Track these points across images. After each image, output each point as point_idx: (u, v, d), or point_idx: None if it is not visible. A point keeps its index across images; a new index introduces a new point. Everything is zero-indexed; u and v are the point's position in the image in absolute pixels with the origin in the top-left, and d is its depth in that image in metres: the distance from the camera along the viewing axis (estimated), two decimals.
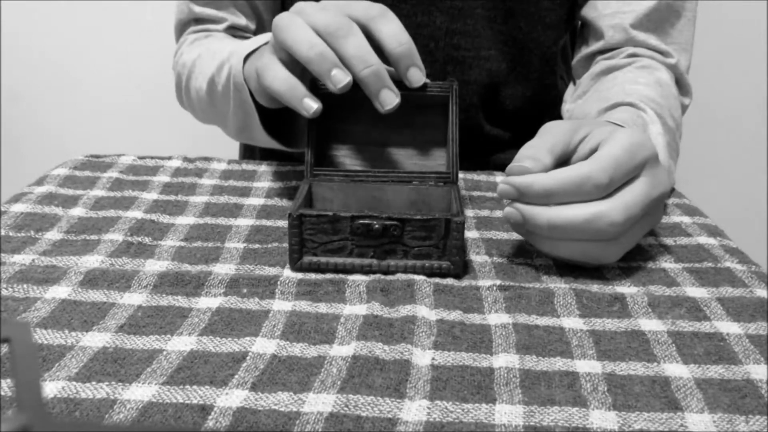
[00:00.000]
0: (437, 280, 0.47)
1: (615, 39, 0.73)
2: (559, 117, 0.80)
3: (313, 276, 0.48)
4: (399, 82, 0.51)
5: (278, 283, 0.47)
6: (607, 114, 0.61)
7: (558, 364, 0.39)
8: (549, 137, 0.49)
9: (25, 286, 0.45)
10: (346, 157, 0.56)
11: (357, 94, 0.49)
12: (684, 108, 0.75)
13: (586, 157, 0.48)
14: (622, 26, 0.72)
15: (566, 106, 0.76)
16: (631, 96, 0.64)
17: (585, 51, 0.76)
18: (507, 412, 0.35)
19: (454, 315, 0.44)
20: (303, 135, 0.59)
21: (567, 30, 0.77)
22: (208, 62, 0.67)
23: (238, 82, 0.59)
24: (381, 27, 0.50)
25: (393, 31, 0.50)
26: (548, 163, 0.47)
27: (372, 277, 0.48)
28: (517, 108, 0.78)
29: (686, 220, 0.59)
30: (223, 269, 0.48)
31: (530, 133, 0.58)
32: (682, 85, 0.73)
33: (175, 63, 0.77)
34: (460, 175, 0.66)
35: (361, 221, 0.47)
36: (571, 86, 0.80)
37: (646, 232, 0.50)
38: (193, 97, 0.72)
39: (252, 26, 0.78)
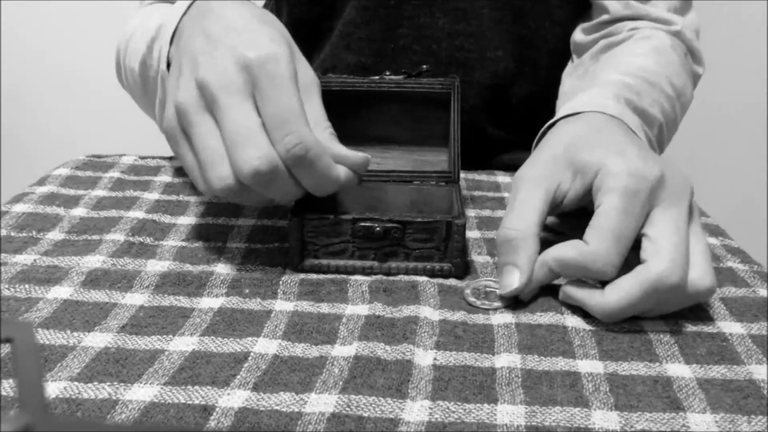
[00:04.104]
0: (440, 280, 0.47)
1: (617, 12, 0.72)
2: None
3: (315, 276, 0.48)
4: (402, 75, 0.50)
5: (280, 283, 0.47)
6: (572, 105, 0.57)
7: (560, 364, 0.39)
8: (527, 209, 0.45)
9: (26, 286, 0.45)
10: None
11: (357, 89, 0.49)
12: (696, 77, 0.73)
13: (578, 204, 0.46)
14: (624, 1, 0.72)
15: (564, 87, 0.76)
16: (618, 69, 0.62)
17: (588, 23, 0.75)
18: (509, 412, 0.35)
19: (458, 315, 0.43)
20: None
21: (575, 26, 0.77)
22: (140, 38, 0.60)
23: (163, 69, 0.52)
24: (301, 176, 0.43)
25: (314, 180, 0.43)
26: (532, 251, 0.44)
27: (374, 277, 0.47)
28: (523, 107, 0.78)
29: None
30: (225, 269, 0.48)
31: (534, 133, 0.58)
32: (692, 52, 0.72)
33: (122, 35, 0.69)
34: (462, 174, 0.66)
35: (363, 224, 0.47)
36: (570, 64, 0.80)
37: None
38: (129, 78, 0.64)
39: None
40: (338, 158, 0.44)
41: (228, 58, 0.42)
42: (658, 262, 0.41)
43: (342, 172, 0.44)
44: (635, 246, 0.43)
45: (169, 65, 0.52)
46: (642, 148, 0.46)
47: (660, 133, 0.62)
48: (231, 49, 0.43)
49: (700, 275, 0.42)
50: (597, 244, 0.42)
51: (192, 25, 0.48)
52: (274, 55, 0.42)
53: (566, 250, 0.43)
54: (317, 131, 0.44)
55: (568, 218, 0.51)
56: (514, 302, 0.45)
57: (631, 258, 0.42)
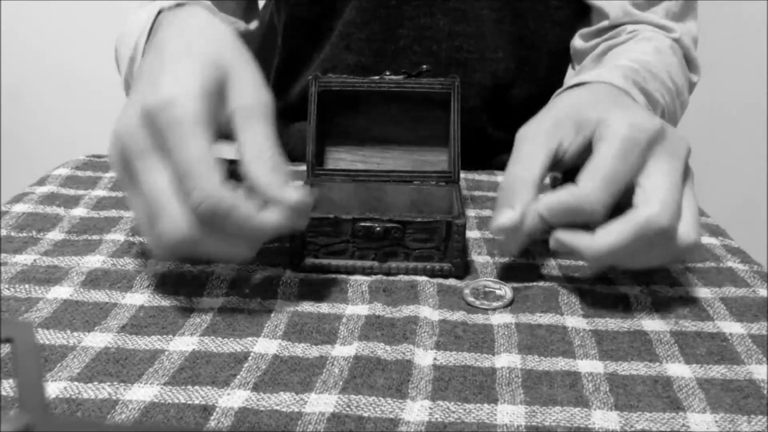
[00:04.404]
0: (440, 280, 0.47)
1: (618, 18, 0.72)
2: None
3: (315, 276, 0.48)
4: (402, 75, 0.50)
5: (280, 283, 0.47)
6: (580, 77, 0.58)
7: (560, 364, 0.39)
8: (529, 162, 0.45)
9: (26, 286, 0.45)
10: (345, 153, 0.56)
11: (357, 89, 0.49)
12: (692, 86, 0.73)
13: (577, 160, 0.46)
14: (623, 7, 0.72)
15: None
16: (625, 56, 0.62)
17: (587, 29, 0.75)
18: (509, 412, 0.35)
19: (457, 315, 0.43)
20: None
21: (574, 28, 0.77)
22: (125, 46, 0.59)
23: None
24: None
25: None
26: (530, 197, 0.44)
27: (374, 277, 0.47)
28: (523, 108, 0.78)
29: None
30: (225, 269, 0.48)
31: None
32: (689, 61, 0.73)
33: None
34: (462, 174, 0.66)
35: (363, 224, 0.47)
36: (570, 70, 0.80)
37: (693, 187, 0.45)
38: (123, 77, 0.64)
39: None
40: (272, 198, 0.39)
41: (134, 107, 0.39)
42: (648, 206, 0.41)
43: (273, 217, 0.39)
44: (630, 200, 0.43)
45: None
46: (644, 109, 0.46)
47: (662, 118, 0.62)
48: (139, 96, 0.40)
49: (687, 229, 0.42)
50: (588, 184, 0.42)
51: (144, 54, 0.46)
52: (171, 99, 0.38)
53: (557, 194, 0.43)
54: (257, 164, 0.40)
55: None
56: (514, 302, 0.45)
57: (625, 208, 0.43)
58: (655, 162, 0.43)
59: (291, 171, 0.42)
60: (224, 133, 0.41)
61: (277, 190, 0.39)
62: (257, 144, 0.40)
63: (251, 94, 0.42)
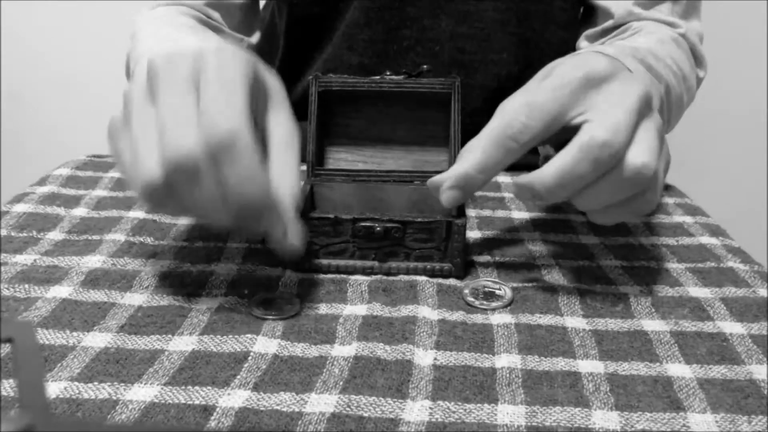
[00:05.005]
0: (439, 280, 0.47)
1: (622, 18, 0.72)
2: None
3: (314, 276, 0.48)
4: (402, 75, 0.50)
5: (280, 283, 0.47)
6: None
7: (560, 364, 0.39)
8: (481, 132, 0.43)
9: (26, 286, 0.45)
10: (346, 153, 0.55)
11: (358, 89, 0.49)
12: (698, 81, 0.73)
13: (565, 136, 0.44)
14: (627, 7, 0.72)
15: None
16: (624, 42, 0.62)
17: (592, 30, 0.75)
18: (509, 412, 0.35)
19: (457, 315, 0.43)
20: None
21: (579, 30, 0.77)
22: (129, 55, 0.59)
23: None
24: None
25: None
26: (465, 164, 0.42)
27: (374, 277, 0.47)
28: None
29: (688, 219, 0.59)
30: (225, 269, 0.48)
31: None
32: (696, 56, 0.72)
33: None
34: None
35: (363, 224, 0.47)
36: None
37: (661, 136, 0.43)
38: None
39: None
40: (279, 193, 0.39)
41: (183, 47, 0.40)
42: (591, 125, 0.40)
43: (268, 201, 0.38)
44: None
45: None
46: (607, 57, 0.44)
47: (668, 94, 0.60)
48: (191, 42, 0.40)
49: (639, 151, 0.40)
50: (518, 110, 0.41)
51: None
52: (231, 48, 0.40)
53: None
54: (281, 149, 0.40)
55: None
56: (514, 302, 0.45)
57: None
58: (603, 96, 0.42)
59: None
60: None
61: (291, 214, 0.39)
62: (285, 132, 0.41)
63: (276, 82, 0.43)
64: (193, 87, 0.38)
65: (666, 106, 0.60)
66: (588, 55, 0.43)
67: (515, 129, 0.41)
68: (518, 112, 0.41)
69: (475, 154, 0.42)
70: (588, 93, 0.42)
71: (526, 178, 0.42)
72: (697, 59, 0.73)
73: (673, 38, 0.69)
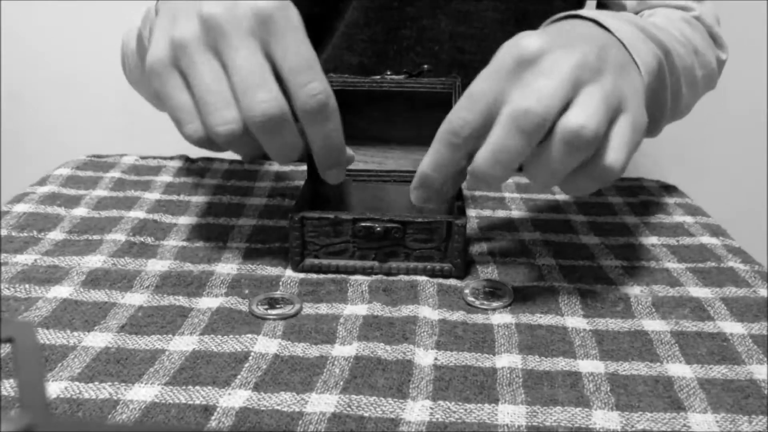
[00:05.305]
0: (440, 280, 0.47)
1: (633, 8, 0.72)
2: None
3: (315, 276, 0.48)
4: (403, 74, 0.50)
5: (280, 283, 0.47)
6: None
7: (561, 364, 0.39)
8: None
9: (27, 286, 0.45)
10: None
11: (358, 89, 0.49)
12: (720, 63, 0.71)
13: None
14: None
15: None
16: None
17: None
18: (510, 412, 0.35)
19: (457, 315, 0.43)
20: None
21: None
22: (140, 13, 0.59)
23: (152, 15, 0.50)
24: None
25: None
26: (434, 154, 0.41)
27: (374, 277, 0.47)
28: None
29: (689, 219, 0.59)
30: (225, 269, 0.48)
31: None
32: (713, 37, 0.71)
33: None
34: None
35: (363, 224, 0.47)
36: None
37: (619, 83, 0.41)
38: (130, 63, 0.63)
39: None
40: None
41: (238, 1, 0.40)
42: (511, 98, 0.39)
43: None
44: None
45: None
46: (563, 31, 0.43)
47: (668, 56, 0.56)
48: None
49: (575, 114, 0.38)
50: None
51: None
52: (288, 3, 0.41)
53: None
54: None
55: None
56: (514, 302, 0.45)
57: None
58: (533, 75, 0.39)
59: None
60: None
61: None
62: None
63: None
64: (260, 42, 0.40)
65: (668, 68, 0.57)
66: (520, 37, 0.41)
67: (455, 125, 0.40)
68: (461, 105, 0.40)
69: (429, 153, 0.42)
70: (522, 75, 0.40)
71: (469, 167, 0.40)
72: (716, 40, 0.71)
73: (684, 19, 0.68)
